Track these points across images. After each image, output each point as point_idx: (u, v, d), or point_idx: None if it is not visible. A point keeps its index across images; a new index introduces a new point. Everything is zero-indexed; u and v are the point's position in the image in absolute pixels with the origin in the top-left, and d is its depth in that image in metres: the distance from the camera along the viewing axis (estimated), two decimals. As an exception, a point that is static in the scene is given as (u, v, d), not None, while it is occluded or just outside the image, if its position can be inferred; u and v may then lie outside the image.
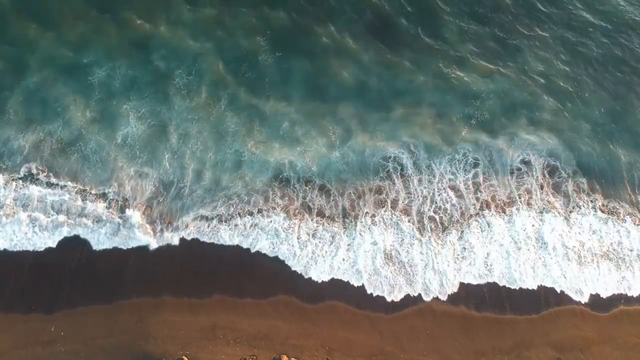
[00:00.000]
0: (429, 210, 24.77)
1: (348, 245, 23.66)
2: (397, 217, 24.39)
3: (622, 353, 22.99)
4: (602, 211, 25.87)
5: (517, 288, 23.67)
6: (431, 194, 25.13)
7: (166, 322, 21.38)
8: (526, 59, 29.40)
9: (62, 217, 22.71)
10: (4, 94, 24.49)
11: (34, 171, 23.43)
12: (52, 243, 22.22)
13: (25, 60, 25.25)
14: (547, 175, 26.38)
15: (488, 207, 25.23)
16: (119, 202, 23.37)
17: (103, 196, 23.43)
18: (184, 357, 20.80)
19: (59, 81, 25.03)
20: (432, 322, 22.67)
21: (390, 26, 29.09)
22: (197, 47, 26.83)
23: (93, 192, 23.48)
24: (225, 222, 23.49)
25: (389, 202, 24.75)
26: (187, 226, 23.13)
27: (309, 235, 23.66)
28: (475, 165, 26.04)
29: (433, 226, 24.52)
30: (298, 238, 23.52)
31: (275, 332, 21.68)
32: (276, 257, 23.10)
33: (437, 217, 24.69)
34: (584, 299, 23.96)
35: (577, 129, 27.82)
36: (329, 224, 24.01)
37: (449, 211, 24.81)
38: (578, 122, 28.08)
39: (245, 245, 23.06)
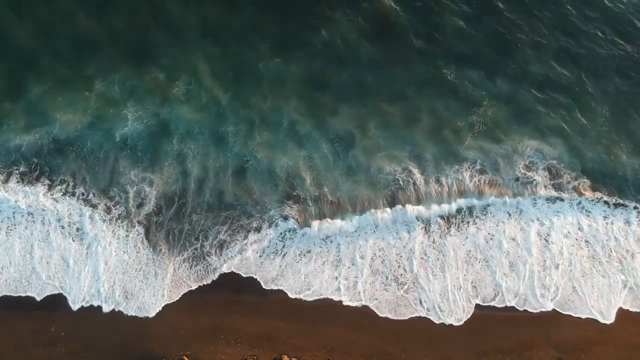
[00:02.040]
0: (438, 218, 24.77)
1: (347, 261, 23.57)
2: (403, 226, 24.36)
3: (624, 353, 22.86)
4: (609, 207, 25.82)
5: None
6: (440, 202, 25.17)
7: (166, 322, 21.40)
8: (528, 63, 29.31)
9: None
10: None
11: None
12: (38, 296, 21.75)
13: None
14: (552, 177, 26.23)
15: (495, 211, 25.20)
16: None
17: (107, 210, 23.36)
18: (184, 357, 20.75)
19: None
20: (433, 321, 22.59)
21: (389, 29, 29.21)
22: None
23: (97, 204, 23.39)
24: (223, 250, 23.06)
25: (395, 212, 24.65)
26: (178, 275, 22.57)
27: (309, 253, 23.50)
28: (482, 172, 26.01)
29: (442, 227, 24.50)
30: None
31: (276, 332, 21.64)
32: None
33: (444, 227, 24.64)
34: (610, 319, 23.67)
35: (581, 134, 27.63)
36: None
37: (456, 219, 24.80)
38: (583, 127, 27.89)
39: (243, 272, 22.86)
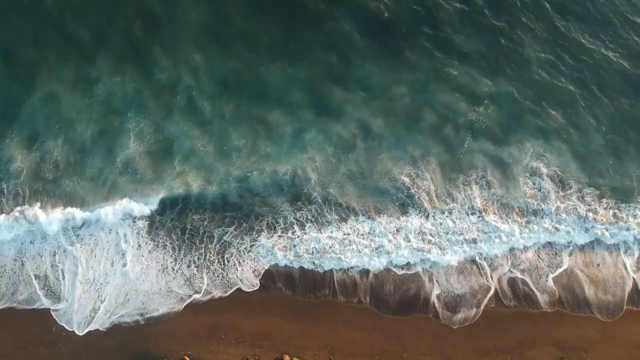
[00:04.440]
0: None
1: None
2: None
3: (626, 352, 22.86)
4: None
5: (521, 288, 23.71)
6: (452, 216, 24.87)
7: (168, 322, 21.37)
8: (531, 63, 29.16)
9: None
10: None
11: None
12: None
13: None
14: (559, 185, 25.89)
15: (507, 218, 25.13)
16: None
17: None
18: (185, 357, 20.75)
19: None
20: (434, 321, 22.58)
21: (390, 28, 29.07)
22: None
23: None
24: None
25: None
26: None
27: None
28: (490, 184, 25.60)
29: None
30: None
31: (277, 332, 21.63)
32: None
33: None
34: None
35: (586, 140, 27.16)
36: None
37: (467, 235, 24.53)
38: (587, 133, 27.36)
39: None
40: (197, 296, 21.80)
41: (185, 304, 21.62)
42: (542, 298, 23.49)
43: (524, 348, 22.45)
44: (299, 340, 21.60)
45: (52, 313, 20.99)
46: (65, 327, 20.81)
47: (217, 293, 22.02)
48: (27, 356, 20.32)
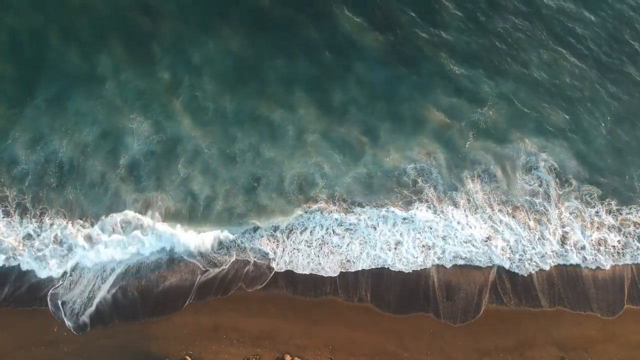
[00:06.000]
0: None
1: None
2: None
3: (626, 352, 22.91)
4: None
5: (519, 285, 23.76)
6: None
7: (169, 321, 21.40)
8: (532, 63, 29.06)
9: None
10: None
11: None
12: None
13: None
14: (559, 185, 25.86)
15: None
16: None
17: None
18: (187, 357, 20.78)
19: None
20: (435, 321, 22.60)
21: (392, 27, 28.93)
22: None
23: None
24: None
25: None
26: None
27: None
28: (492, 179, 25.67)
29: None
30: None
31: (278, 332, 21.65)
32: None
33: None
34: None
35: (587, 139, 27.16)
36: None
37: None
38: (588, 132, 27.38)
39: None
40: (216, 270, 22.28)
41: (198, 279, 22.05)
42: (537, 278, 23.57)
43: (524, 348, 22.49)
44: (300, 340, 21.62)
45: (48, 298, 21.15)
46: (63, 320, 21.02)
47: (231, 271, 22.50)
48: (28, 356, 20.35)
